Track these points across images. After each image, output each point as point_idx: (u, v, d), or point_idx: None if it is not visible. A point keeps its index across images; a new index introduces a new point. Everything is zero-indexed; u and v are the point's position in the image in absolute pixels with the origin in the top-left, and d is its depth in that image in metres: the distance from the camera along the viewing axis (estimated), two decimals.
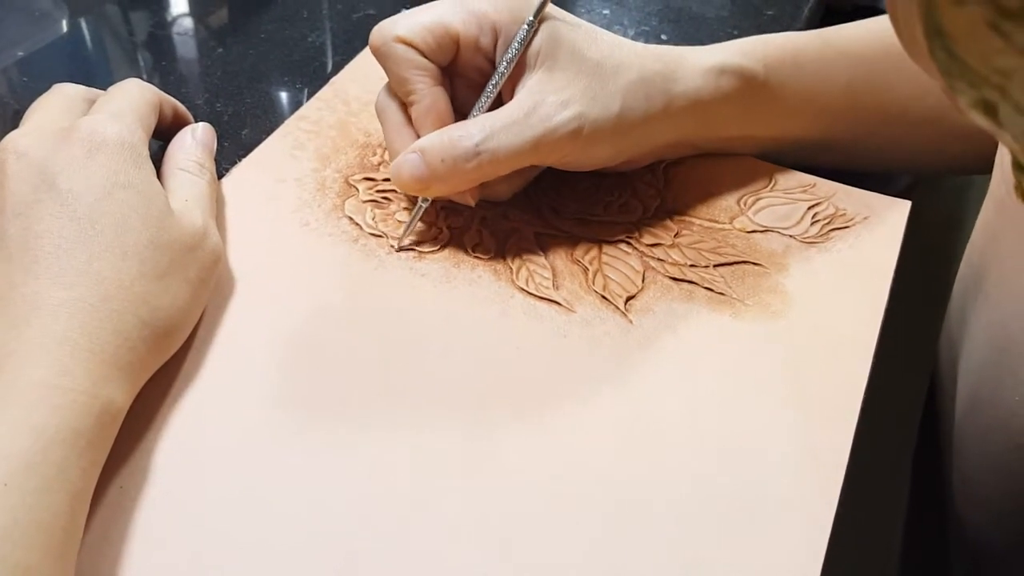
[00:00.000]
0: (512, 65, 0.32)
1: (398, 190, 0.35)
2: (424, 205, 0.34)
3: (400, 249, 0.34)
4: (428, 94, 0.32)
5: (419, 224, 0.35)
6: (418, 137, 0.32)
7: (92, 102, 0.32)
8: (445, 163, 0.31)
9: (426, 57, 0.32)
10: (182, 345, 0.28)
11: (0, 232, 0.26)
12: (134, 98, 0.31)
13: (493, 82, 0.33)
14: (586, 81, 0.32)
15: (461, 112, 0.34)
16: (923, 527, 0.42)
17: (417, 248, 0.34)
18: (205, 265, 0.29)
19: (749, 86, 0.35)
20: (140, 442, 0.26)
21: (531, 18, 0.32)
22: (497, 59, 0.33)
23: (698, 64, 0.34)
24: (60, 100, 0.31)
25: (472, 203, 0.34)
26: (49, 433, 0.22)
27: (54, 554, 0.21)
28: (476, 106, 0.33)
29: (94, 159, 0.28)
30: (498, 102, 0.33)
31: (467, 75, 0.34)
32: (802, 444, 0.28)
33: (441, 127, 0.32)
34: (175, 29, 0.47)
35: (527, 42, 0.32)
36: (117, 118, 0.29)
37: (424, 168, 0.31)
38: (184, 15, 0.48)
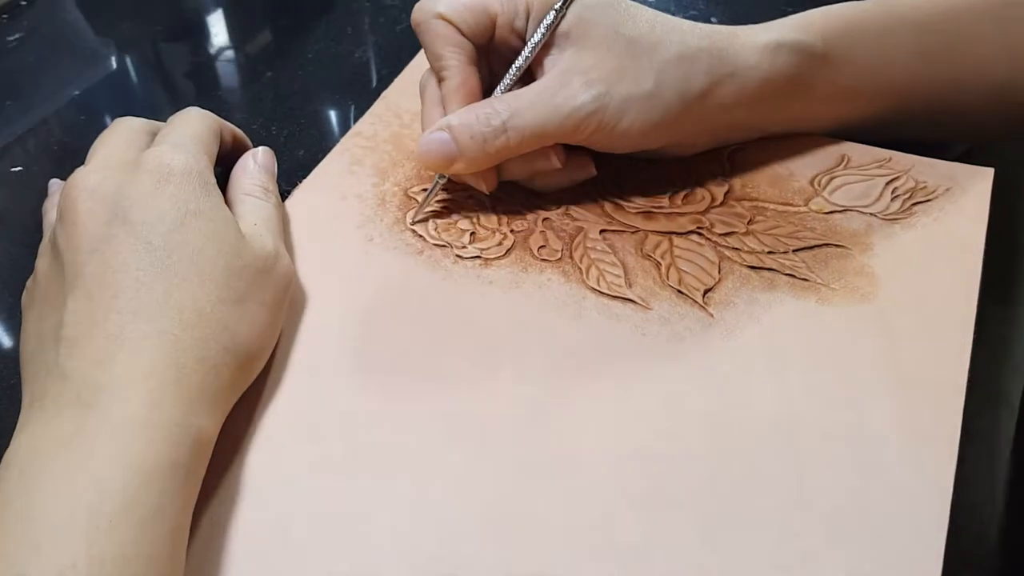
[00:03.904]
0: (537, 49, 0.32)
1: (427, 170, 0.36)
2: (441, 182, 0.34)
3: (414, 223, 0.34)
4: (460, 72, 0.33)
5: (435, 204, 0.35)
6: (446, 114, 0.33)
7: (154, 133, 0.32)
8: (475, 140, 0.31)
9: (463, 35, 0.33)
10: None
11: (77, 270, 0.26)
12: (195, 126, 0.32)
13: (517, 64, 0.33)
14: (616, 60, 0.31)
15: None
16: None
17: (482, 255, 0.33)
18: (279, 287, 0.29)
19: (808, 62, 0.33)
20: (228, 470, 0.26)
21: (558, 5, 0.32)
22: (527, 40, 0.33)
23: (752, 42, 0.33)
24: (123, 133, 0.31)
25: (487, 190, 0.34)
26: (147, 467, 0.22)
27: None
28: (500, 86, 0.33)
29: (163, 189, 0.28)
30: (530, 80, 0.33)
31: (503, 54, 0.34)
32: (908, 430, 0.27)
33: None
34: (222, 57, 0.48)
35: (553, 26, 0.32)
36: (181, 147, 0.29)
37: (452, 144, 0.31)
38: (226, 47, 0.49)
